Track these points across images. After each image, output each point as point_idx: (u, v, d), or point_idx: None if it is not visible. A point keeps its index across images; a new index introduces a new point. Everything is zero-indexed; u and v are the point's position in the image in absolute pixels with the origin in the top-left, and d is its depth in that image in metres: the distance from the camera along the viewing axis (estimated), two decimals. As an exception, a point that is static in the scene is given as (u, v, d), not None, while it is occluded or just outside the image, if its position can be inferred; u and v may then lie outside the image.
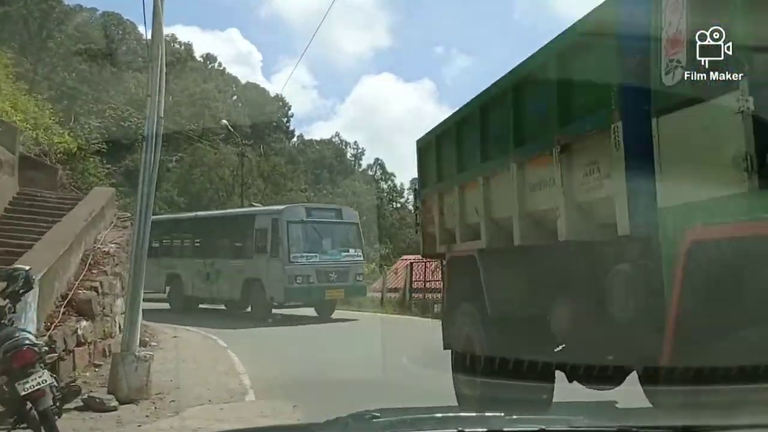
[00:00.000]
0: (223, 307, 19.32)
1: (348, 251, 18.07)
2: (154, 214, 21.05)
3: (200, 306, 20.05)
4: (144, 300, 20.71)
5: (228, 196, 46.74)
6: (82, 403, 6.62)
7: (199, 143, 52.97)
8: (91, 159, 15.86)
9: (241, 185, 28.05)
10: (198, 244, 20.24)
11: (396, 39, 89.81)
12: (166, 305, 19.60)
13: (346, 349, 10.96)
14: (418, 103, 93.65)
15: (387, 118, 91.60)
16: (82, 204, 11.63)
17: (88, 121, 54.71)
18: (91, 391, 7.33)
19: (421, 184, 8.18)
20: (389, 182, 70.14)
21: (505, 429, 1.51)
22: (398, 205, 70.78)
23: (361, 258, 18.45)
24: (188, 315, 18.06)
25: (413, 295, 18.95)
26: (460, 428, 1.48)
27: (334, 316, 17.96)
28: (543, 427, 1.49)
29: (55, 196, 12.86)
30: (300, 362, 9.49)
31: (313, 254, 17.31)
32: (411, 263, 19.42)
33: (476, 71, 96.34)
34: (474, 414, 1.78)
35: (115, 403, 6.91)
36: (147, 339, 12.17)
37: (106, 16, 61.83)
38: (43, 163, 13.97)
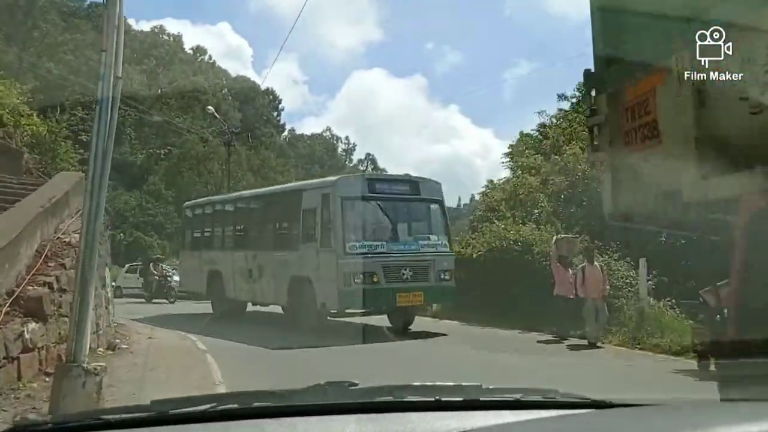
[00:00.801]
0: (279, 310, 14.95)
1: (428, 239, 13.16)
2: (195, 198, 20.41)
3: (249, 310, 15.98)
4: (187, 299, 18.89)
5: (217, 190, 45.26)
6: (11, 426, 5.23)
7: (187, 135, 51.40)
8: (63, 143, 14.37)
9: (228, 175, 26.03)
10: (239, 233, 16.06)
11: (387, 34, 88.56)
12: (208, 308, 16.43)
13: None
14: (409, 98, 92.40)
15: (378, 113, 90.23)
16: (42, 189, 10.20)
17: (75, 112, 53.17)
18: (32, 408, 5.97)
19: None
20: (381, 178, 68.97)
21: (481, 398, 1.52)
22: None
23: (448, 248, 13.25)
24: (218, 324, 14.30)
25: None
26: (437, 396, 1.50)
27: (412, 327, 13.46)
28: (518, 397, 1.53)
29: (17, 181, 11.42)
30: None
31: (379, 243, 12.51)
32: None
33: (467, 67, 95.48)
34: (451, 384, 1.67)
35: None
36: (117, 341, 10.81)
37: (94, 7, 59.85)
38: (6, 146, 12.52)
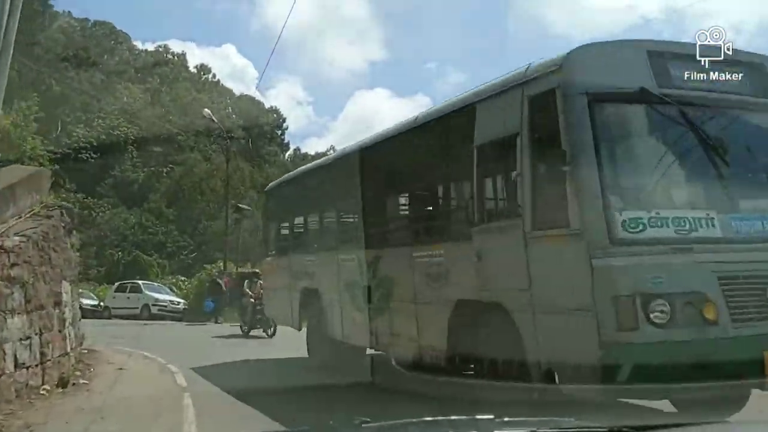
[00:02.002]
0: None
1: None
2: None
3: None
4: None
5: (219, 209, 43.14)
6: None
7: (190, 153, 49.38)
8: (31, 139, 12.14)
9: (226, 185, 23.59)
10: (351, 219, 8.72)
11: (390, 53, 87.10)
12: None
13: None
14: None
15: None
16: (-21, 183, 7.92)
17: (76, 129, 51.21)
18: None
19: None
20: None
21: (495, 431, 1.47)
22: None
23: None
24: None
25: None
26: (451, 431, 1.46)
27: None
28: (533, 429, 1.47)
29: (-38, 177, 9.14)
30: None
31: (702, 217, 4.53)
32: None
33: (470, 86, 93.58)
34: (465, 417, 1.59)
35: None
36: (78, 373, 8.44)
37: (98, 26, 58.31)
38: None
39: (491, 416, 1.56)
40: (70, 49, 51.38)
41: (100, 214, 45.54)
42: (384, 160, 7.81)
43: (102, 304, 21.60)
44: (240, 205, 21.73)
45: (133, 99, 56.31)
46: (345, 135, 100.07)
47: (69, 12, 54.62)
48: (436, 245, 6.28)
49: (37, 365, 7.01)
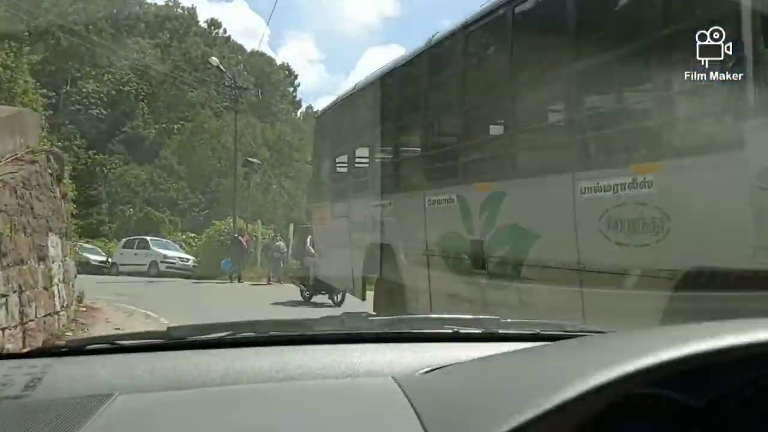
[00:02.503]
0: None
1: None
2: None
3: None
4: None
5: (230, 166, 42.21)
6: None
7: (200, 109, 48.23)
8: (23, 82, 11.10)
9: (235, 136, 22.38)
10: (443, 144, 6.15)
11: (404, 8, 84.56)
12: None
13: None
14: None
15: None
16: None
17: (86, 84, 50.06)
18: None
19: None
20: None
21: (499, 331, 1.45)
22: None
23: None
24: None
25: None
26: (455, 328, 1.44)
27: None
28: (538, 330, 1.46)
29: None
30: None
31: None
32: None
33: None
34: (470, 316, 1.62)
35: None
36: (69, 333, 7.62)
37: (107, -22, 56.44)
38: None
39: (496, 317, 1.58)
40: (79, 2, 49.90)
41: (112, 170, 44.76)
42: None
43: (110, 260, 20.88)
44: (249, 159, 20.69)
45: (143, 54, 54.95)
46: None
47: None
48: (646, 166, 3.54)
49: (15, 326, 6.15)
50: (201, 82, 52.46)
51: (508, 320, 1.56)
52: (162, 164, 44.94)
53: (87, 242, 25.00)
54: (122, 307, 11.28)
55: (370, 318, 1.61)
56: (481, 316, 1.61)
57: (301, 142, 49.12)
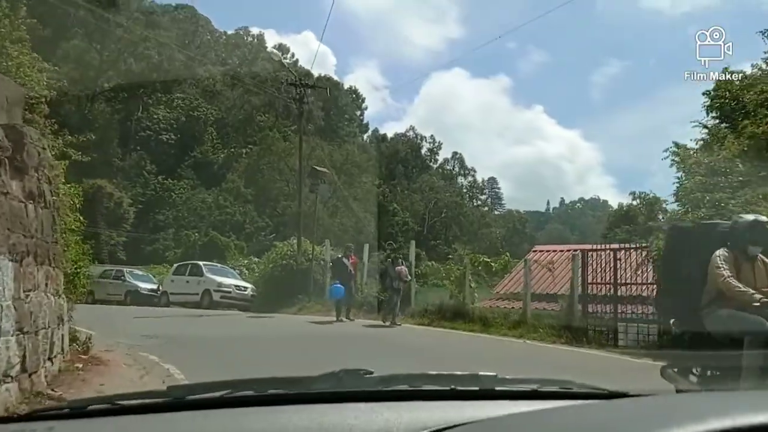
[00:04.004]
0: None
1: None
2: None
3: None
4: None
5: (298, 188, 39.46)
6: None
7: (268, 132, 45.99)
8: (17, 54, 7.93)
9: (300, 139, 18.68)
10: None
11: (468, 31, 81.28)
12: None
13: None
14: (492, 98, 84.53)
15: (458, 115, 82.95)
16: None
17: (157, 110, 48.83)
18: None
19: None
20: (469, 178, 61.36)
21: (497, 388, 1.39)
22: (479, 203, 61.89)
23: None
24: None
25: (587, 307, 9.79)
26: (453, 386, 1.39)
27: None
28: (536, 387, 1.42)
29: None
30: None
31: None
32: (581, 252, 10.27)
33: (553, 65, 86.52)
34: (467, 373, 1.54)
35: None
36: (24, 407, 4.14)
37: (179, 9, 55.62)
38: None
39: (494, 373, 1.52)
40: (150, 31, 48.96)
41: (179, 195, 42.86)
42: None
43: (161, 288, 17.73)
44: (317, 167, 17.20)
45: (213, 80, 53.65)
46: (422, 118, 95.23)
47: (150, -7, 52.19)
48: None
49: None
50: (270, 105, 50.51)
51: (506, 377, 1.50)
52: (228, 188, 42.68)
53: (137, 268, 22.23)
54: (143, 357, 7.85)
55: (367, 375, 1.49)
56: (480, 373, 1.52)
57: (368, 164, 46.08)
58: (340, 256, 12.44)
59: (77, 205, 7.44)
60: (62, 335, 6.46)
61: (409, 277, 11.33)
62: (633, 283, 9.19)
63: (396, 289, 10.92)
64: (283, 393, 1.36)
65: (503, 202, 65.56)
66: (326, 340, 9.97)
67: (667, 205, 12.48)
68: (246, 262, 21.84)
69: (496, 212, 63.87)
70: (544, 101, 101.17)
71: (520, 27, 76.85)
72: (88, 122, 43.56)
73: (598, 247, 10.23)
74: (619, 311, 9.22)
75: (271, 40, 63.37)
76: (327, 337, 10.57)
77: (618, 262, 9.39)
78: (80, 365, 6.74)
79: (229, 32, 58.51)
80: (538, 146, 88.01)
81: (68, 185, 7.23)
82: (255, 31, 60.48)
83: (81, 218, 7.67)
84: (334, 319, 12.19)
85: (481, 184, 62.40)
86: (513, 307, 11.91)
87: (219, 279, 16.24)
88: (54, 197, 6.45)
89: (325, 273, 14.44)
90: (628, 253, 9.59)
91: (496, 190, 66.63)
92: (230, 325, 12.47)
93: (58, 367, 6.15)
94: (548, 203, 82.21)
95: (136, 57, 46.12)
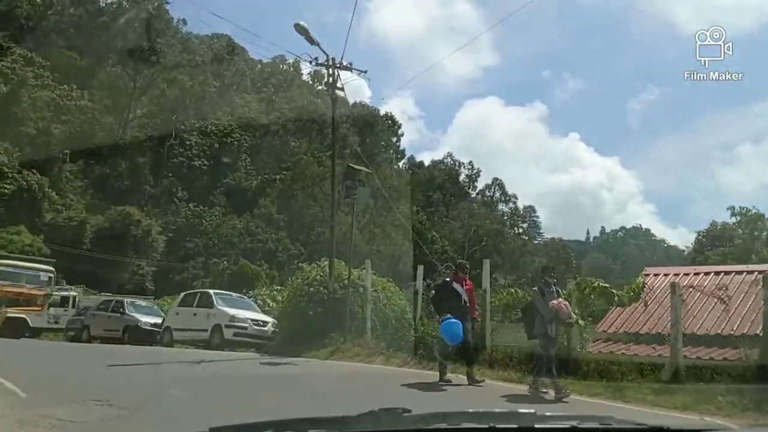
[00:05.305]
0: None
1: None
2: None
3: None
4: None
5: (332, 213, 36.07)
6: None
7: (302, 156, 42.96)
8: None
9: (333, 147, 14.76)
10: None
11: (502, 59, 78.00)
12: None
13: None
14: (527, 126, 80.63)
15: (493, 143, 79.19)
16: None
17: (190, 137, 46.39)
18: None
19: None
20: (510, 205, 57.17)
21: (536, 425, 1.35)
22: (520, 230, 57.57)
23: None
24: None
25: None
26: (491, 423, 1.35)
27: None
28: (575, 424, 1.37)
29: None
30: None
31: None
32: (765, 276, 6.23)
33: (589, 93, 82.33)
34: (506, 410, 1.57)
35: None
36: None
37: (216, 38, 53.62)
38: None
39: (532, 410, 1.48)
40: (184, 56, 46.94)
41: (210, 222, 39.86)
42: None
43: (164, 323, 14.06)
44: (353, 165, 13.58)
45: (248, 108, 51.27)
46: (457, 146, 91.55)
47: (184, 19, 50.36)
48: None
49: None
50: (305, 131, 47.67)
51: (546, 414, 1.45)
52: (260, 213, 39.53)
53: (141, 298, 18.80)
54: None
55: (405, 414, 1.51)
56: (518, 410, 1.52)
57: (406, 188, 42.56)
58: (447, 279, 7.40)
59: None
60: None
61: (574, 317, 6.82)
62: None
63: (551, 338, 6.42)
64: None
65: (541, 231, 61.06)
66: None
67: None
68: (268, 292, 18.08)
69: (535, 241, 59.39)
70: (581, 129, 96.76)
71: (555, 55, 73.30)
72: (120, 149, 41.25)
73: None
74: None
75: (307, 68, 60.99)
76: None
77: None
78: None
79: (265, 61, 56.43)
80: (575, 174, 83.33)
81: None
82: (290, 59, 58.33)
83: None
84: (438, 378, 7.59)
85: (522, 212, 58.07)
86: (636, 354, 7.97)
87: (232, 311, 12.49)
88: None
89: (366, 304, 10.70)
90: None
91: (535, 219, 62.18)
92: (234, 380, 8.64)
93: None
94: (588, 232, 77.13)
95: (169, 83, 43.94)
